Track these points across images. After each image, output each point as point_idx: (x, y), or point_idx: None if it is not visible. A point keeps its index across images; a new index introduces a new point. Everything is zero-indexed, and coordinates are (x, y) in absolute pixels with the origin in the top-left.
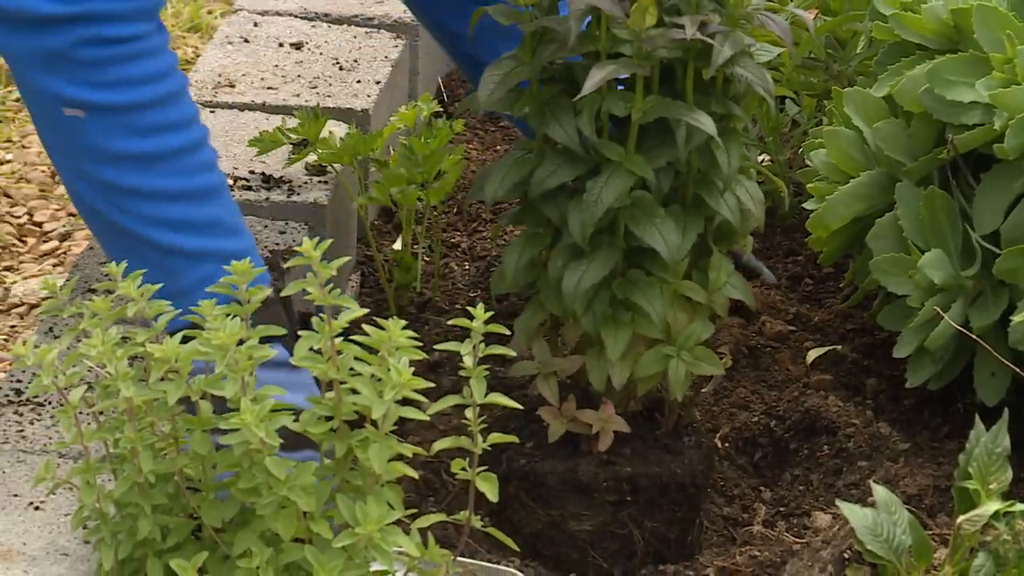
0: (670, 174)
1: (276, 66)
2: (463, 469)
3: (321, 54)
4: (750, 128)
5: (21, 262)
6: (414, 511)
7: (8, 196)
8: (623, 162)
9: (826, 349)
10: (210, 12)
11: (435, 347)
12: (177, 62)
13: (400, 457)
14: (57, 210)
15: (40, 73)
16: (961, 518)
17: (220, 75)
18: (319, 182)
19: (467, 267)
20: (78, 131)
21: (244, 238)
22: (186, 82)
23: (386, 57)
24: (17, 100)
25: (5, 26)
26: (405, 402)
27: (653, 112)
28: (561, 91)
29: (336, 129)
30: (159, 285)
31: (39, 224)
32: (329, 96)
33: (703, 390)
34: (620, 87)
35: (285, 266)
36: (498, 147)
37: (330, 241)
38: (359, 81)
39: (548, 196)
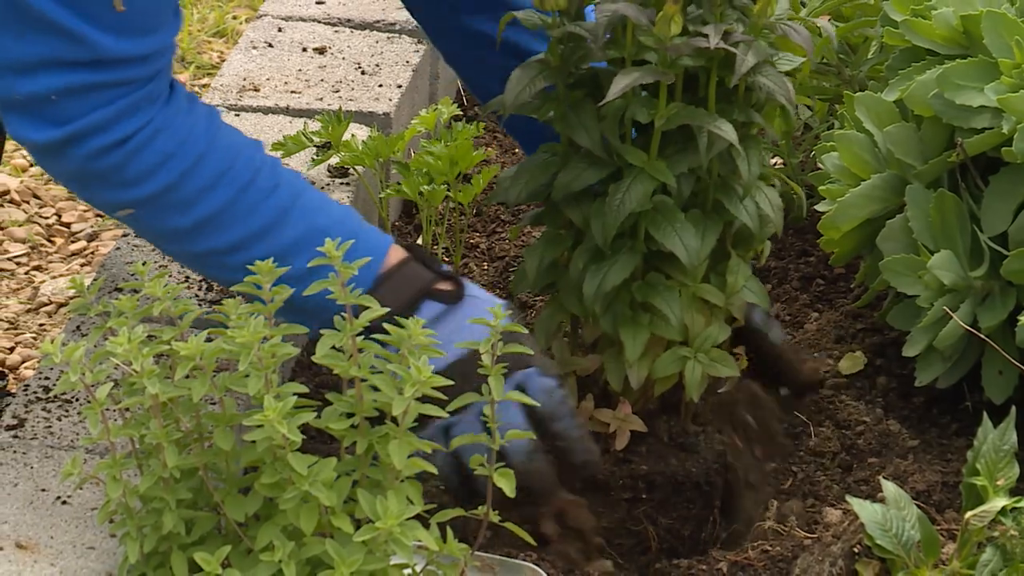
0: (691, 180)
1: (300, 70)
2: (482, 465)
3: (344, 59)
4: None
5: (50, 262)
6: (433, 506)
7: (37, 197)
8: (646, 167)
9: (861, 366)
10: (235, 17)
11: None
12: (197, 115)
13: (419, 453)
14: (85, 211)
15: (78, 188)
16: (969, 514)
17: (245, 79)
18: (341, 184)
19: (486, 267)
20: (139, 223)
21: (342, 227)
22: (213, 126)
23: (407, 62)
24: None
25: (30, 153)
26: (425, 399)
27: (676, 119)
28: (586, 96)
29: (358, 132)
30: (182, 285)
31: (67, 225)
32: (351, 100)
33: (719, 391)
34: (644, 92)
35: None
36: (516, 150)
37: (352, 241)
38: (381, 85)
39: (571, 199)
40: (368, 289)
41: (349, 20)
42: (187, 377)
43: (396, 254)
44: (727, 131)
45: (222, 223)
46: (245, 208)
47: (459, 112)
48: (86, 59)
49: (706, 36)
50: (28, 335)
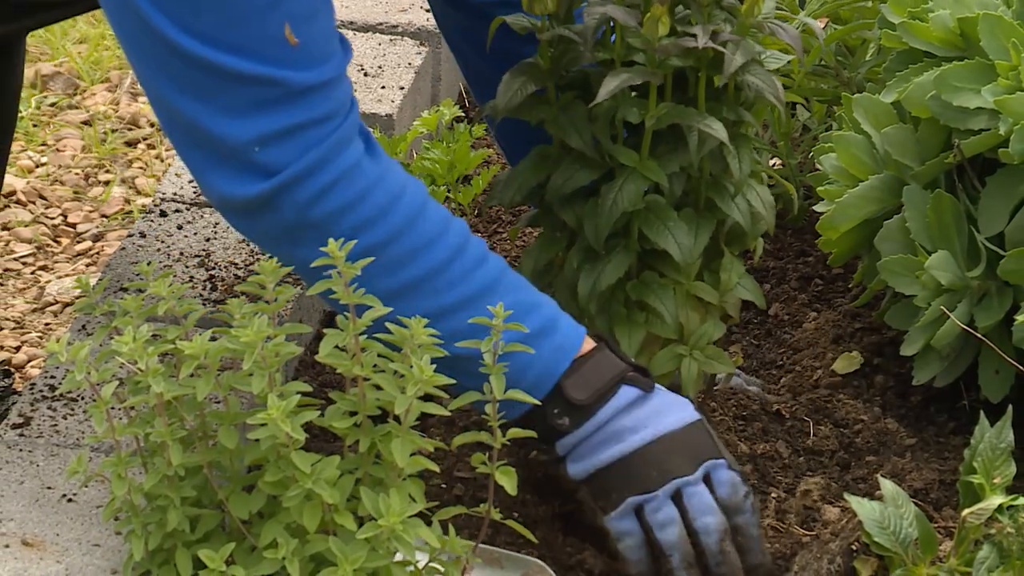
0: (683, 178)
1: None
2: (483, 463)
3: None
4: (762, 133)
5: (56, 262)
6: (435, 503)
7: (43, 198)
8: (637, 167)
9: (858, 365)
10: None
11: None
12: (408, 177)
13: (421, 451)
14: (90, 211)
15: (290, 245)
16: (966, 511)
17: None
18: None
19: None
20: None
21: (539, 312)
22: (423, 190)
23: (410, 64)
24: (52, 105)
25: (233, 215)
26: (427, 398)
27: (666, 119)
28: (577, 98)
29: None
30: (187, 285)
31: (73, 225)
32: None
33: (715, 387)
34: (634, 93)
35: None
36: None
37: (355, 241)
38: (384, 87)
39: (564, 200)
40: (566, 369)
41: (352, 22)
42: (191, 376)
43: (590, 342)
44: (717, 129)
45: (429, 288)
46: (454, 276)
47: (461, 113)
48: (277, 96)
49: (694, 36)
50: (34, 334)
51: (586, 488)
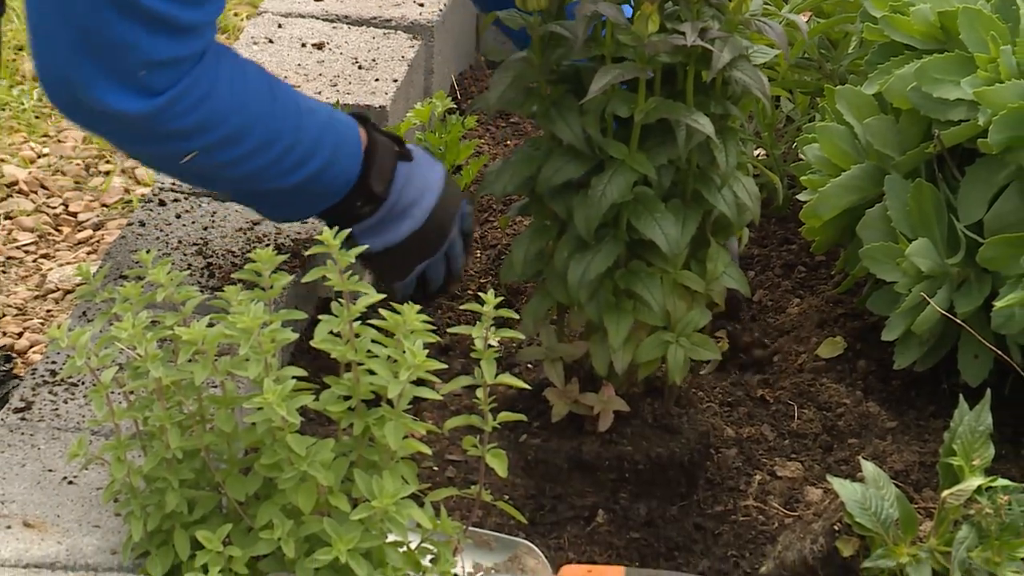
0: (671, 171)
1: (299, 65)
2: (474, 446)
3: (341, 54)
4: (747, 124)
5: (57, 250)
6: (428, 485)
7: (45, 188)
8: (627, 160)
9: (841, 350)
10: (236, 14)
11: (448, 330)
12: (240, 72)
13: (414, 434)
14: (91, 201)
15: (156, 145)
16: (946, 492)
17: None
18: None
19: (479, 255)
20: (193, 163)
21: (332, 130)
22: (257, 77)
23: (403, 57)
24: None
25: (105, 123)
26: (419, 382)
27: (655, 113)
28: (568, 91)
29: None
30: (185, 272)
31: (74, 214)
32: (349, 93)
33: (701, 372)
34: (624, 87)
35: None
36: (508, 142)
37: (349, 230)
38: (377, 79)
39: (555, 191)
40: (362, 167)
41: (346, 17)
42: (189, 361)
43: (361, 130)
44: (704, 124)
45: (271, 148)
46: (288, 128)
47: (452, 105)
48: (168, 30)
49: (683, 34)
50: (36, 321)
51: (374, 262)
